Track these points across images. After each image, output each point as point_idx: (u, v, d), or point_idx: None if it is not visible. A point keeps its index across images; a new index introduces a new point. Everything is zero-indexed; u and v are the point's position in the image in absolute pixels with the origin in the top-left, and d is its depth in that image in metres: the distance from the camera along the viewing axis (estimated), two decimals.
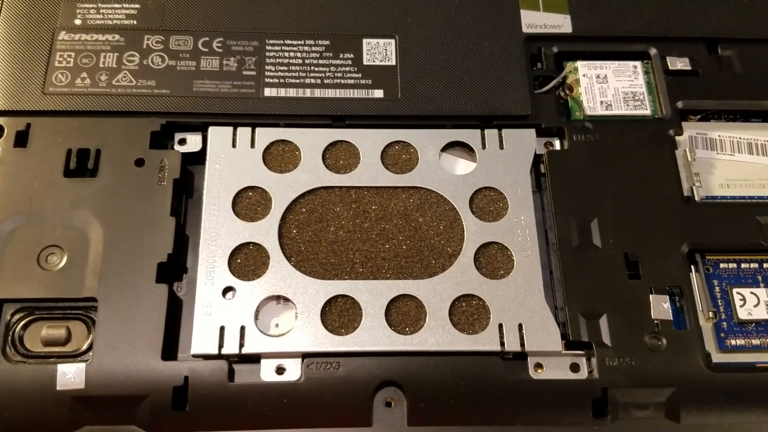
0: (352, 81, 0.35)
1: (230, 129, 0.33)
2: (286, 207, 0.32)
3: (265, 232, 0.31)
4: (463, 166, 0.34)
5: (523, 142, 0.34)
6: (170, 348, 0.30)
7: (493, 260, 0.32)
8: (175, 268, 0.31)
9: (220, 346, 0.29)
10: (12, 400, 0.28)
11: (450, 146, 0.34)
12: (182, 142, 0.34)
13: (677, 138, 0.35)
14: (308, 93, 0.34)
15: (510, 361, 0.30)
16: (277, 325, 0.30)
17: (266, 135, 0.33)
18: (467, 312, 0.31)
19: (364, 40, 0.36)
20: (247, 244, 0.31)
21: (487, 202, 0.33)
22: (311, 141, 0.33)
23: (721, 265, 0.33)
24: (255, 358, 0.30)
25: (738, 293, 0.33)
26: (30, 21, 0.35)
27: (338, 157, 0.33)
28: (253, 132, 0.33)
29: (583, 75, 0.36)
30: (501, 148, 0.34)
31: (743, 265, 0.33)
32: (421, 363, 0.30)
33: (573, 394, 0.29)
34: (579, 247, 0.32)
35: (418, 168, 0.33)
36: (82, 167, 0.32)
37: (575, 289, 0.31)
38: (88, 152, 0.32)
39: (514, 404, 0.29)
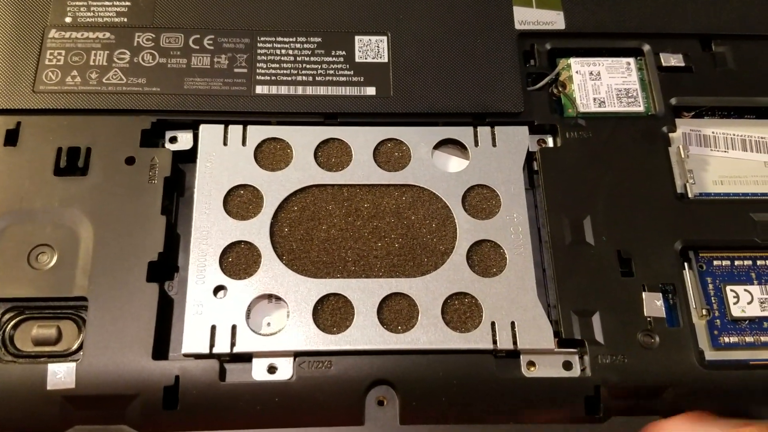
0: (344, 78, 0.35)
1: (221, 127, 0.33)
2: (278, 205, 0.32)
3: (256, 230, 0.31)
4: (455, 163, 0.34)
5: (516, 140, 0.34)
6: (161, 347, 0.30)
7: (485, 258, 0.32)
8: (166, 267, 0.31)
9: (212, 345, 0.29)
10: (2, 399, 0.28)
11: (442, 144, 0.34)
12: (173, 140, 0.33)
13: (671, 135, 0.35)
14: (300, 90, 0.34)
15: (502, 359, 0.30)
16: (268, 324, 0.30)
17: (258, 133, 0.33)
18: (460, 310, 0.30)
19: (357, 37, 0.36)
20: (239, 242, 0.31)
21: (480, 200, 0.33)
22: (303, 139, 0.33)
23: (715, 263, 0.33)
24: (246, 357, 0.29)
25: (731, 290, 0.32)
26: (20, 19, 0.35)
27: (330, 155, 0.33)
28: (244, 130, 0.33)
29: (576, 72, 0.36)
30: (494, 145, 0.34)
31: (737, 263, 0.33)
32: (414, 361, 0.29)
33: (565, 391, 0.29)
34: (572, 244, 0.32)
35: (411, 166, 0.33)
36: (72, 166, 0.32)
37: (568, 286, 0.31)
38: (79, 151, 0.32)
39: (507, 402, 0.29)
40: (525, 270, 0.31)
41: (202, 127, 0.33)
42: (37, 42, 0.34)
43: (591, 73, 0.36)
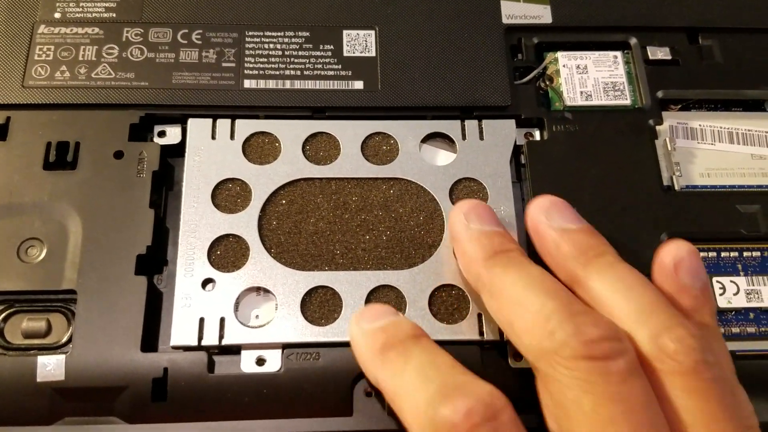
0: (332, 72, 0.35)
1: (210, 121, 0.33)
2: (266, 199, 0.32)
3: (244, 223, 0.31)
4: (443, 157, 0.34)
5: (503, 133, 0.34)
6: (150, 340, 0.30)
7: None
8: (155, 261, 0.31)
9: (200, 337, 0.29)
10: None
11: (430, 137, 0.34)
12: (162, 134, 0.34)
13: (657, 128, 0.35)
14: (288, 84, 0.34)
15: (489, 350, 0.30)
16: (257, 317, 0.30)
17: (246, 127, 0.33)
18: (447, 302, 0.31)
19: (344, 32, 0.36)
20: (227, 235, 0.31)
21: (467, 193, 0.33)
22: (291, 132, 0.33)
23: (701, 254, 0.33)
24: (235, 350, 0.30)
25: (718, 282, 0.33)
26: (9, 15, 0.35)
27: (318, 148, 0.33)
28: (232, 124, 0.33)
29: (564, 65, 0.36)
30: (481, 138, 0.34)
31: (723, 254, 0.33)
32: None
33: None
34: None
35: (399, 159, 0.33)
36: (61, 160, 0.32)
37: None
38: (68, 145, 0.32)
39: None
40: None
41: (191, 121, 0.33)
42: (26, 37, 0.35)
43: (578, 67, 0.36)
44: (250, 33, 0.35)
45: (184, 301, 0.30)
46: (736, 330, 0.32)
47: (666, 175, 0.34)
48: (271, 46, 0.35)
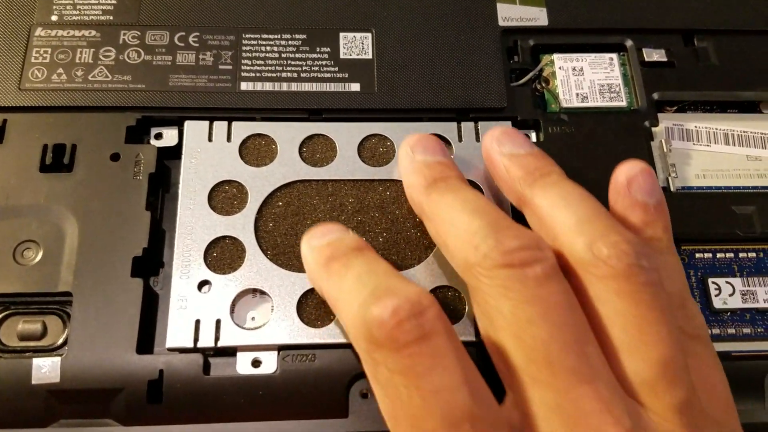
0: (328, 75, 0.35)
1: (206, 123, 0.33)
2: (263, 201, 0.32)
3: (241, 225, 0.31)
4: None
5: None
6: (146, 342, 0.30)
7: None
8: (151, 263, 0.31)
9: (196, 339, 0.29)
10: None
11: None
12: (158, 136, 0.34)
13: (653, 129, 0.35)
14: (285, 87, 0.34)
15: (484, 351, 0.30)
16: (253, 318, 0.30)
17: (242, 129, 0.33)
18: (443, 303, 0.31)
19: (341, 34, 0.36)
20: (223, 237, 0.31)
21: None
22: (288, 134, 0.33)
23: (697, 255, 0.33)
24: (231, 352, 0.30)
25: (713, 283, 0.33)
26: (6, 17, 0.35)
27: (315, 150, 0.33)
28: (229, 126, 0.33)
29: (559, 67, 0.37)
30: (477, 140, 0.34)
31: (719, 255, 0.33)
32: None
33: None
34: None
35: (395, 161, 0.33)
36: (58, 162, 0.32)
37: None
38: (64, 147, 0.32)
39: None
40: None
41: (187, 124, 0.33)
42: (23, 40, 0.35)
43: (574, 69, 0.37)
44: (247, 35, 0.36)
45: (180, 302, 0.30)
46: (731, 331, 0.32)
47: (662, 177, 0.34)
48: (268, 48, 0.35)
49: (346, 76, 0.35)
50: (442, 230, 0.27)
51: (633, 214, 0.28)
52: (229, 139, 0.33)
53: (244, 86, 0.34)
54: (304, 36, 0.36)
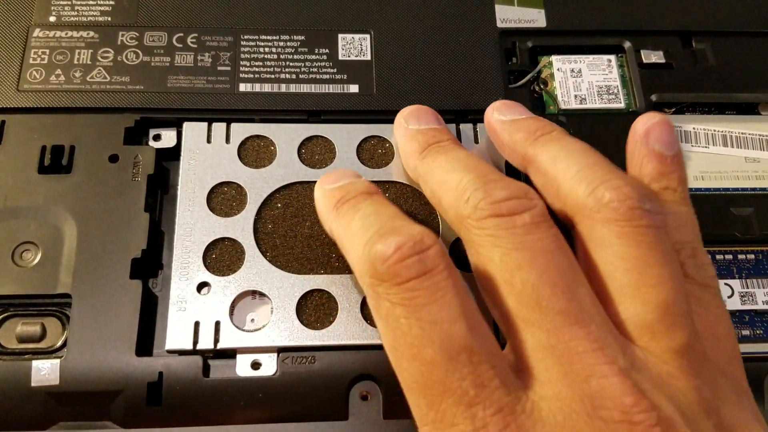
0: (327, 76, 0.35)
1: (205, 124, 0.33)
2: (262, 202, 0.32)
3: (240, 227, 0.31)
4: None
5: None
6: (145, 344, 0.30)
7: None
8: (150, 264, 0.31)
9: (195, 341, 0.29)
10: None
11: None
12: (157, 137, 0.34)
13: None
14: (283, 88, 0.34)
15: None
16: (252, 320, 0.30)
17: (241, 130, 0.33)
18: None
19: (340, 35, 0.36)
20: (222, 239, 0.31)
21: None
22: (287, 136, 0.33)
23: None
24: (230, 353, 0.30)
25: None
26: (4, 18, 0.35)
27: (314, 152, 0.33)
28: (228, 127, 0.33)
29: (558, 69, 0.37)
30: (476, 142, 0.34)
31: (717, 257, 0.34)
32: None
33: None
34: None
35: (394, 162, 0.33)
36: (56, 164, 0.32)
37: None
38: (63, 149, 0.32)
39: None
40: None
41: (186, 125, 0.33)
42: (21, 41, 0.35)
43: (572, 71, 0.37)
44: (246, 37, 0.35)
45: (180, 304, 0.30)
46: None
47: None
48: (267, 49, 0.35)
49: (345, 78, 0.35)
50: (436, 189, 0.28)
51: (649, 164, 0.28)
52: (227, 140, 0.33)
53: (243, 87, 0.34)
54: (303, 37, 0.36)
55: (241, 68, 0.35)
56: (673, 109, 0.37)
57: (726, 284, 0.33)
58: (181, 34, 0.35)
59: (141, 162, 0.32)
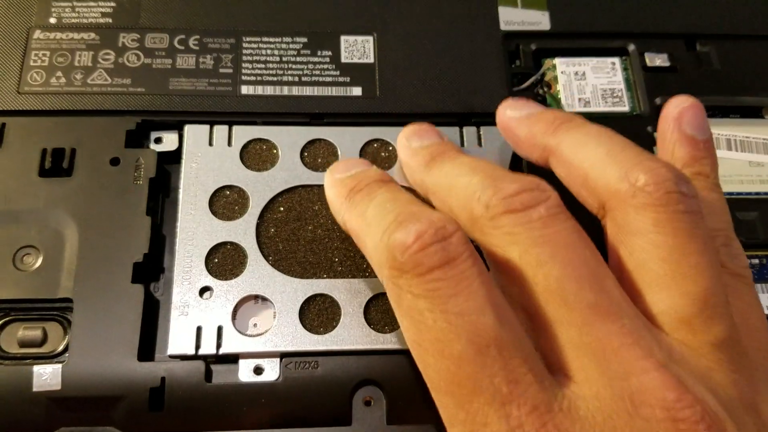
0: (330, 79, 0.35)
1: (207, 127, 0.33)
2: (264, 206, 0.32)
3: (242, 231, 0.31)
4: None
5: (502, 139, 0.33)
6: (147, 349, 0.29)
7: None
8: (152, 269, 0.31)
9: (197, 346, 0.29)
10: None
11: None
12: (158, 140, 0.33)
13: (655, 134, 0.35)
14: (286, 91, 0.34)
15: None
16: (255, 325, 0.30)
17: (243, 133, 0.33)
18: None
19: (342, 38, 0.36)
20: (225, 243, 0.31)
21: None
22: (289, 139, 0.33)
23: None
24: (233, 359, 0.29)
25: None
26: (4, 20, 0.35)
27: (316, 155, 0.33)
28: (230, 130, 0.33)
29: (562, 72, 0.36)
30: (480, 145, 0.34)
31: None
32: (400, 361, 0.29)
33: None
34: None
35: (397, 166, 0.33)
36: (57, 167, 0.32)
37: None
38: (64, 152, 0.32)
39: None
40: None
41: (188, 128, 0.33)
42: (21, 43, 0.34)
43: (576, 73, 0.36)
44: (248, 39, 0.35)
45: (182, 309, 0.30)
46: None
47: None
48: (269, 52, 0.35)
49: (348, 80, 0.35)
50: (445, 197, 0.26)
51: (682, 148, 0.27)
52: (229, 143, 0.33)
53: (245, 90, 0.34)
54: (305, 39, 0.36)
55: (243, 70, 0.34)
56: None
57: None
58: (183, 36, 0.35)
59: (142, 165, 0.32)
